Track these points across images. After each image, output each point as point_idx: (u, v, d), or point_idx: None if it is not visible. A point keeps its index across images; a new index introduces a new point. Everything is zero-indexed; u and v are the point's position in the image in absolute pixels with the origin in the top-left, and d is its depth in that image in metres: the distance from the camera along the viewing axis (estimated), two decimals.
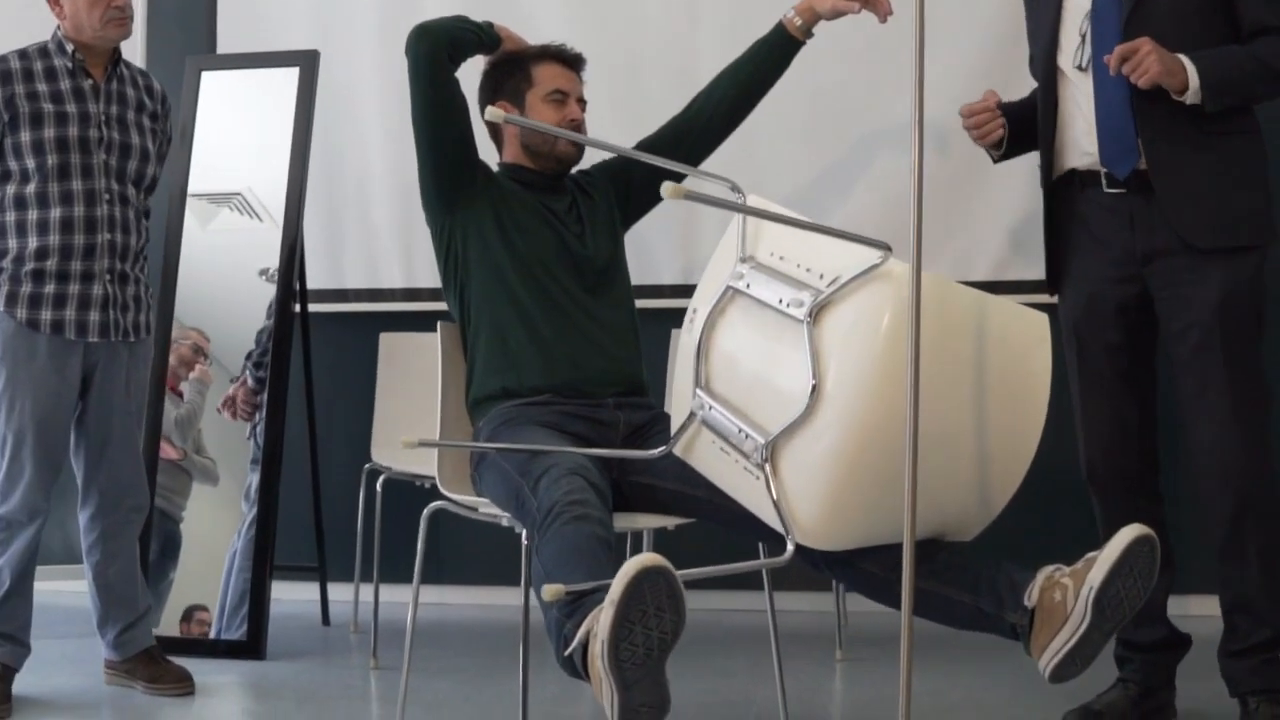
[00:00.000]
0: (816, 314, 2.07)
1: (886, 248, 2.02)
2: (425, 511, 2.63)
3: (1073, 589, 2.00)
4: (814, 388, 2.04)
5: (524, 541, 2.34)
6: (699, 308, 2.31)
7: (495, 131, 2.81)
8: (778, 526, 2.12)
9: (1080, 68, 2.67)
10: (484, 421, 2.60)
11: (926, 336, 2.01)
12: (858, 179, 3.86)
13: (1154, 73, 2.51)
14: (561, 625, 1.97)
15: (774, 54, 2.82)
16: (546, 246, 2.69)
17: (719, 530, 2.48)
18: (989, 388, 2.12)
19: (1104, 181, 2.67)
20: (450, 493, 2.61)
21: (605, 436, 2.57)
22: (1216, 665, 2.67)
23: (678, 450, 2.34)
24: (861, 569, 2.23)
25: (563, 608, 1.98)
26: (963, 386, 2.09)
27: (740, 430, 2.16)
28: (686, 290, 3.90)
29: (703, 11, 3.99)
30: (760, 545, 2.44)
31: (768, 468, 2.11)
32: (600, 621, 1.82)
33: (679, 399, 2.34)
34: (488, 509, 2.53)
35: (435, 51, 2.61)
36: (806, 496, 2.09)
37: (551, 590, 1.89)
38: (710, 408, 2.23)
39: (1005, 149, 2.85)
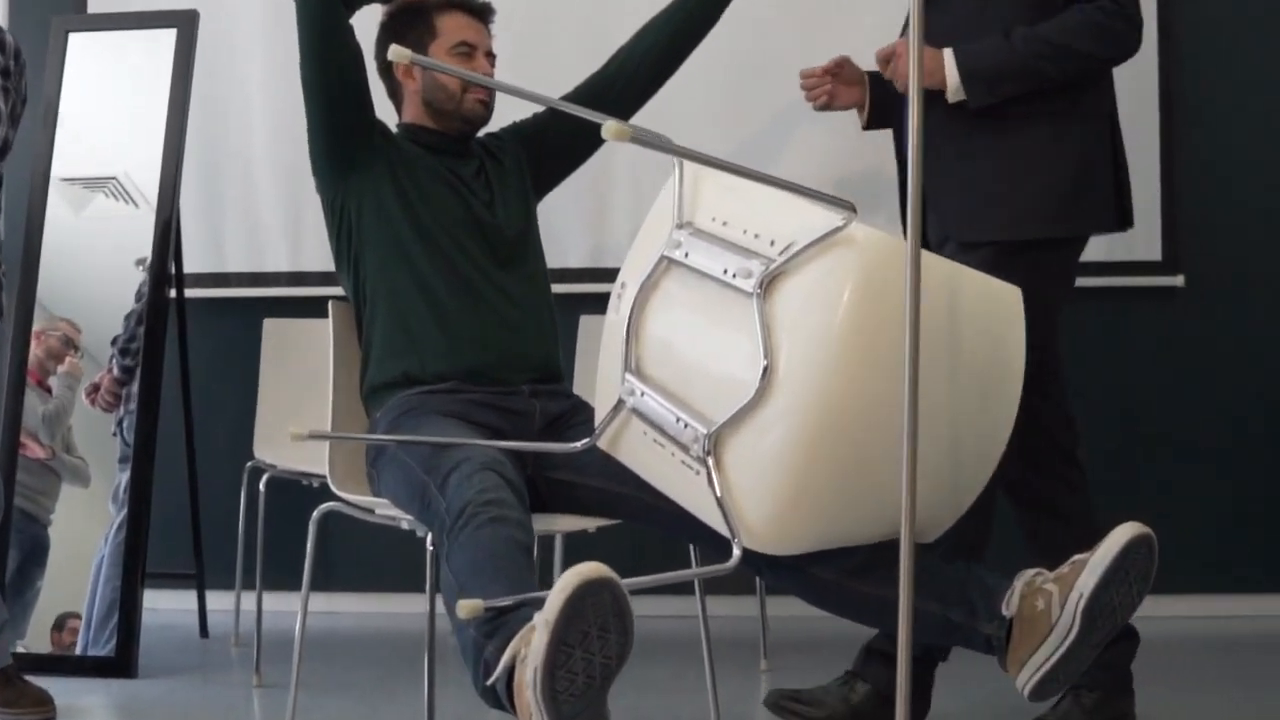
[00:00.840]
0: (767, 286, 1.80)
1: (850, 208, 1.76)
2: (315, 513, 2.32)
3: (1058, 596, 1.76)
4: (765, 369, 1.78)
5: (429, 546, 2.05)
6: (628, 281, 2.03)
7: (394, 89, 2.51)
8: (721, 528, 1.86)
9: None
10: (382, 412, 2.29)
11: (896, 311, 1.76)
12: (782, 151, 3.60)
13: (906, 81, 2.35)
14: (481, 647, 1.67)
15: (707, 2, 2.57)
16: (452, 215, 2.39)
17: (641, 532, 2.22)
18: (961, 370, 1.87)
19: None
20: (343, 492, 2.30)
21: (519, 428, 2.28)
22: (1170, 667, 2.47)
23: (602, 443, 2.06)
24: (812, 575, 1.97)
25: (481, 626, 1.68)
26: (933, 368, 1.83)
27: (678, 419, 1.88)
28: (596, 274, 3.66)
29: None
30: (691, 549, 2.18)
31: (710, 461, 1.84)
32: (532, 645, 1.53)
33: (604, 385, 2.06)
34: (386, 510, 2.23)
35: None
36: (755, 494, 1.82)
37: (469, 606, 1.60)
38: (642, 394, 1.95)
39: (870, 119, 2.66)
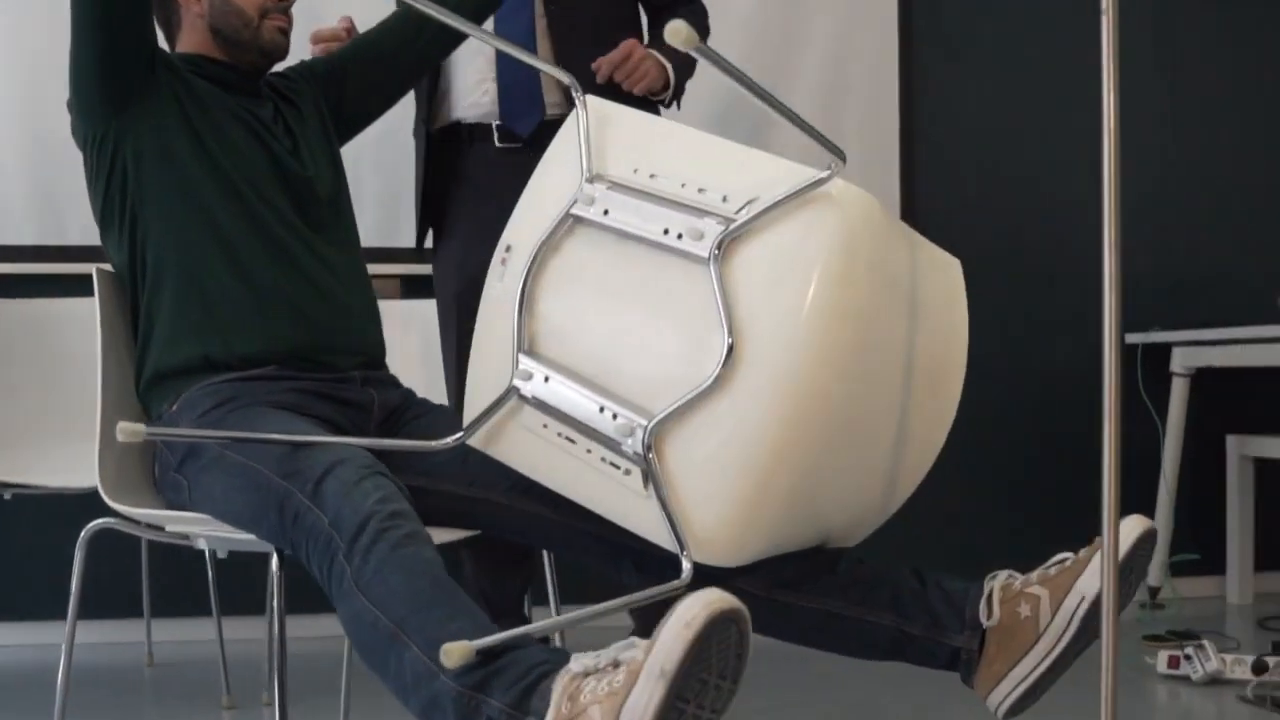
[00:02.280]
0: (725, 249, 1.50)
1: (840, 155, 1.48)
2: (86, 532, 1.83)
3: (1048, 601, 1.55)
4: (729, 349, 1.47)
5: (274, 568, 1.63)
6: (514, 244, 1.67)
7: (168, 12, 2.01)
8: (653, 536, 1.54)
9: None
10: (181, 405, 1.81)
11: (875, 284, 1.51)
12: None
13: (652, 78, 2.41)
14: (467, 702, 1.27)
15: None
16: (254, 164, 1.92)
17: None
18: (918, 351, 1.64)
19: (496, 135, 2.44)
20: (122, 506, 1.81)
21: (356, 423, 1.86)
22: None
23: (474, 440, 1.69)
24: (737, 589, 1.67)
25: (464, 675, 1.29)
26: (892, 351, 1.59)
27: (603, 409, 1.55)
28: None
29: None
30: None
31: (653, 459, 1.52)
32: (629, 702, 1.15)
33: (481, 369, 1.69)
34: (185, 526, 1.77)
35: None
36: (706, 497, 1.50)
37: (458, 650, 1.22)
38: (546, 379, 1.60)
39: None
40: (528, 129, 2.42)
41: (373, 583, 1.38)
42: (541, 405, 1.61)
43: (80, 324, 2.73)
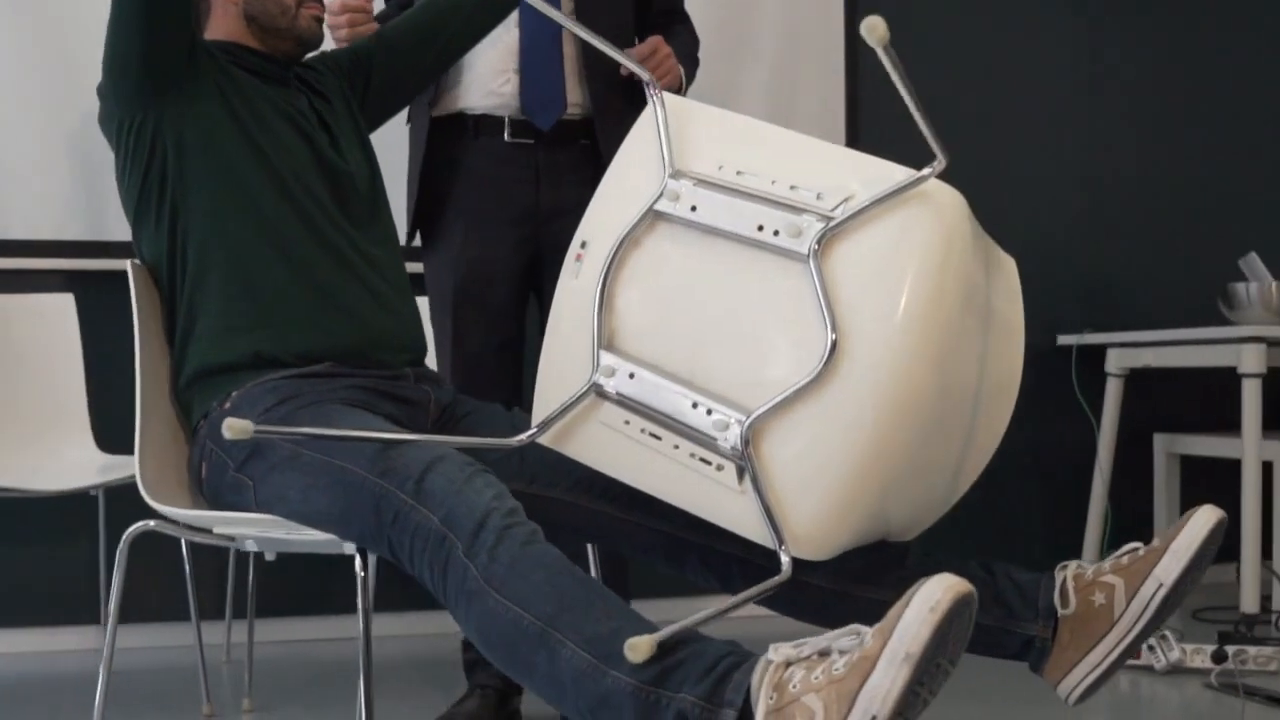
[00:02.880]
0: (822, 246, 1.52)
1: (942, 156, 1.50)
2: (128, 534, 1.76)
3: (1123, 589, 1.58)
4: (833, 344, 1.49)
5: (360, 570, 1.59)
6: (591, 240, 1.66)
7: None
8: (745, 531, 1.54)
9: None
10: (235, 403, 1.75)
11: (965, 282, 1.53)
12: None
13: (675, 75, 2.45)
14: (646, 696, 1.26)
15: None
16: (299, 157, 1.88)
17: None
18: (988, 350, 1.67)
19: (508, 129, 2.41)
20: (163, 505, 1.75)
21: (416, 421, 1.82)
22: None
23: (546, 437, 1.68)
24: (809, 585, 1.69)
25: (641, 670, 1.27)
26: (971, 349, 1.61)
27: (696, 404, 1.55)
28: None
29: None
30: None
31: (751, 454, 1.52)
32: (867, 687, 1.14)
33: (556, 365, 1.67)
34: (234, 528, 1.72)
35: None
36: (803, 492, 1.51)
37: (642, 645, 1.21)
38: (631, 375, 1.59)
39: None
40: (548, 123, 2.40)
41: (508, 580, 1.36)
42: (625, 401, 1.60)
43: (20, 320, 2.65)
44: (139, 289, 1.84)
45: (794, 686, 1.18)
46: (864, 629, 1.20)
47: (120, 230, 3.28)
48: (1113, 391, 3.87)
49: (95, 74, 3.16)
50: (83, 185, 3.28)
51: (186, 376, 1.82)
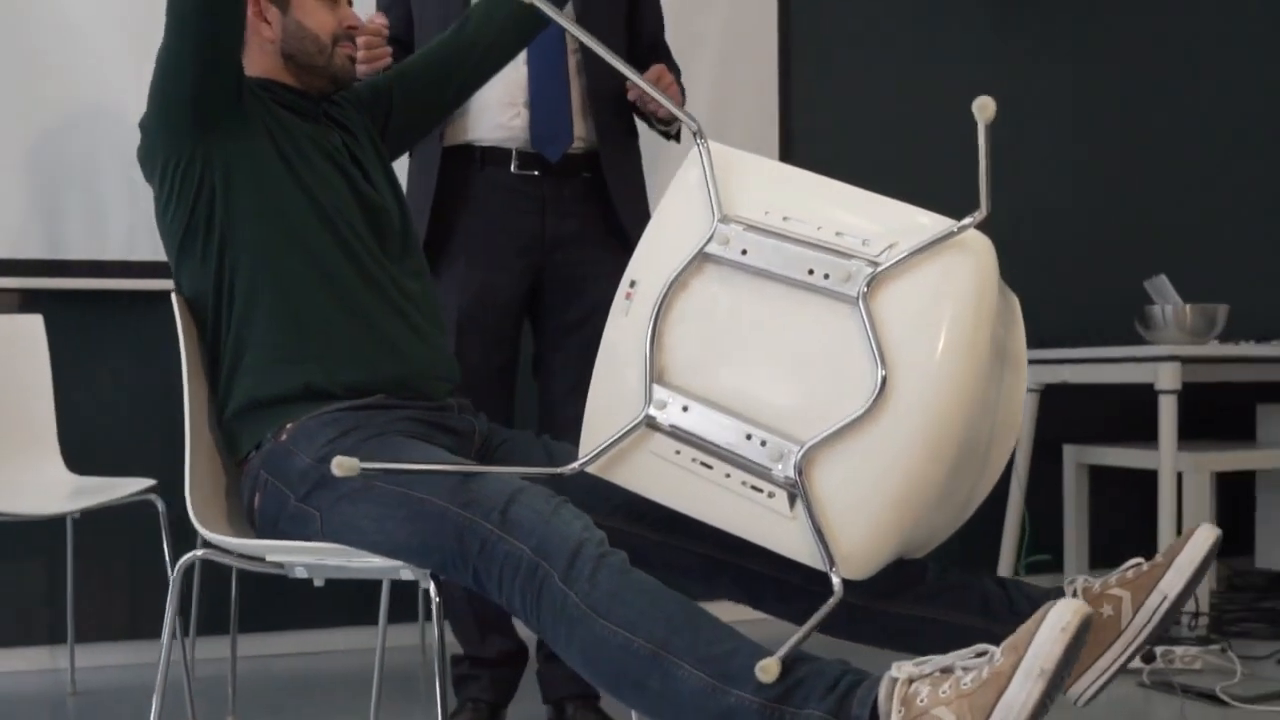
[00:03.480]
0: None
1: (983, 208, 1.63)
2: (182, 562, 1.80)
3: (1129, 601, 1.72)
4: (883, 380, 1.60)
5: (434, 595, 1.67)
6: (639, 279, 1.75)
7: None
8: (794, 554, 1.65)
9: None
10: (291, 435, 1.80)
11: (991, 327, 1.66)
12: None
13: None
14: (769, 713, 1.35)
15: None
16: (340, 193, 1.93)
17: None
18: (1003, 385, 1.80)
19: (515, 161, 2.50)
20: (215, 534, 1.80)
21: (465, 451, 1.89)
22: None
23: (594, 466, 1.76)
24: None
25: (766, 689, 1.37)
26: (993, 383, 1.75)
27: (750, 436, 1.65)
28: None
29: None
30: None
31: (803, 482, 1.63)
32: (1009, 699, 1.25)
33: (605, 399, 1.76)
34: (285, 557, 1.77)
35: None
36: (851, 518, 1.62)
37: (774, 666, 1.31)
38: (685, 408, 1.69)
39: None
40: (557, 155, 2.49)
41: (613, 606, 1.44)
42: (678, 433, 1.69)
43: None
44: (185, 320, 1.88)
45: (921, 700, 1.30)
46: (991, 648, 1.32)
47: (80, 249, 3.28)
48: (1029, 405, 4.07)
49: (53, 87, 3.16)
50: (39, 202, 3.26)
51: (234, 408, 1.86)
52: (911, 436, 1.60)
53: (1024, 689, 1.26)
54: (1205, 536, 1.74)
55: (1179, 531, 3.78)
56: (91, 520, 2.89)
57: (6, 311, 3.15)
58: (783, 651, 1.39)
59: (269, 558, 1.79)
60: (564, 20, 1.77)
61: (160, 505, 2.63)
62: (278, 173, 1.89)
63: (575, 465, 1.77)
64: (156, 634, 2.96)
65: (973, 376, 1.62)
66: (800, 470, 1.62)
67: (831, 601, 1.59)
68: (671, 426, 1.70)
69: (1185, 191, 4.65)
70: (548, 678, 2.62)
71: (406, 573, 1.73)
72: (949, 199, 4.30)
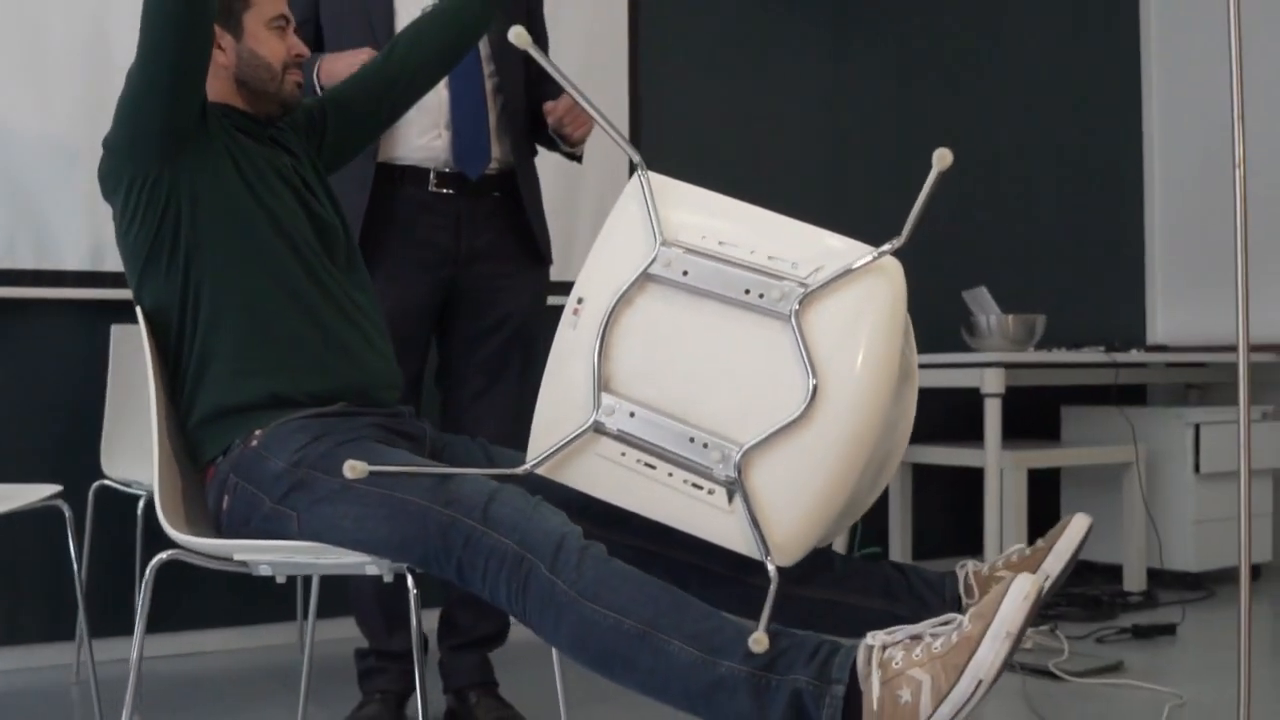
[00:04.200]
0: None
1: (899, 237, 1.84)
2: (154, 562, 1.89)
3: None
4: (814, 389, 1.81)
5: (411, 588, 1.80)
6: (587, 296, 1.92)
7: None
8: (732, 544, 1.84)
9: None
10: (263, 440, 1.90)
11: (901, 340, 1.89)
12: None
13: (588, 129, 2.75)
14: (757, 680, 1.53)
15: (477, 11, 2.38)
16: (295, 212, 2.05)
17: None
18: (902, 389, 2.03)
19: (433, 180, 2.66)
20: (181, 534, 1.89)
21: (420, 454, 2.02)
22: None
23: (545, 469, 1.92)
24: (751, 585, 2.01)
25: (755, 658, 1.55)
26: (894, 388, 1.98)
27: (693, 439, 1.84)
28: None
29: None
30: None
31: (742, 479, 1.82)
32: (974, 661, 1.45)
33: (554, 406, 1.92)
34: (253, 555, 1.88)
35: None
36: (790, 510, 1.82)
37: (764, 639, 1.50)
38: (631, 414, 1.87)
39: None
40: (477, 174, 2.64)
41: (601, 591, 1.61)
42: (625, 437, 1.86)
43: None
44: (150, 333, 1.97)
45: (896, 664, 1.50)
46: (958, 616, 1.53)
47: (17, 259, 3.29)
48: None
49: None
50: None
51: (199, 416, 1.95)
52: (838, 437, 1.81)
53: (992, 649, 1.47)
54: (1080, 525, 1.99)
55: (1001, 523, 4.13)
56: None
57: None
58: (763, 626, 1.59)
59: (236, 556, 1.90)
60: (547, 63, 1.90)
61: (67, 510, 2.67)
62: (240, 193, 1.99)
63: (527, 466, 1.92)
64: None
65: (887, 384, 1.84)
66: (739, 469, 1.82)
67: (772, 591, 1.79)
68: (619, 431, 1.87)
69: (1003, 208, 5.04)
70: (450, 668, 2.75)
71: (372, 568, 1.86)
72: (792, 205, 4.61)
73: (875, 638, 1.56)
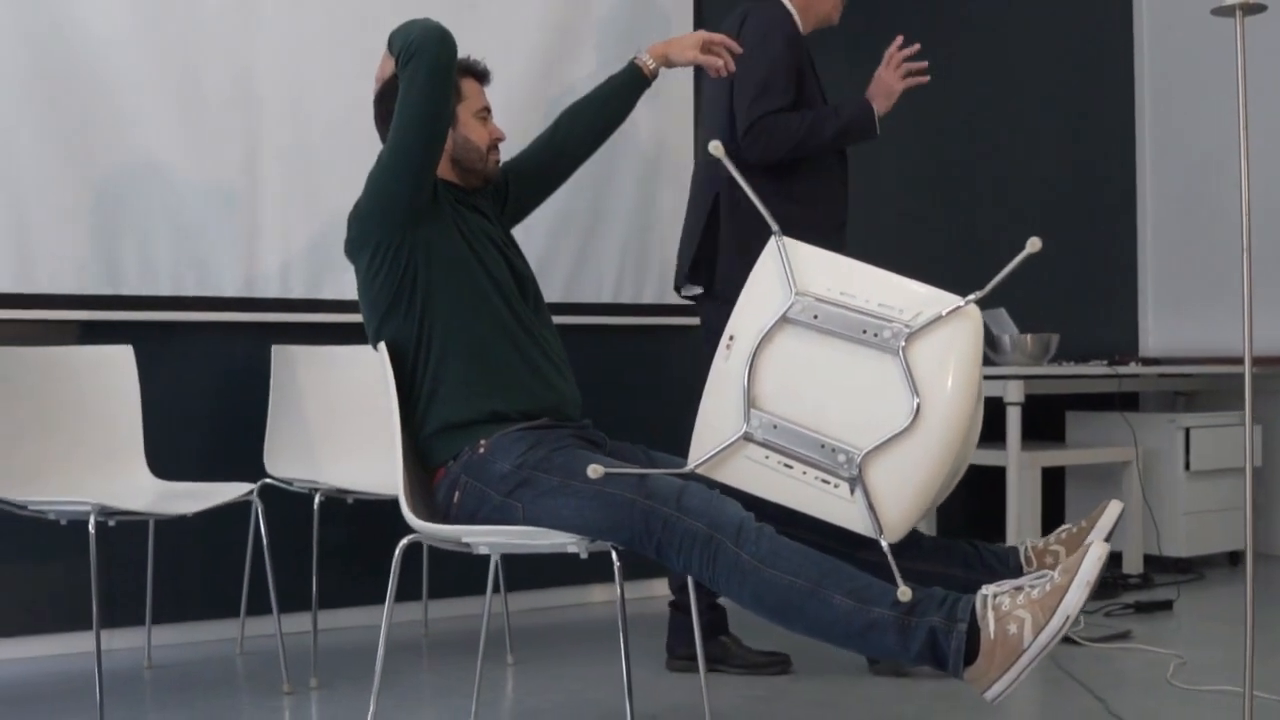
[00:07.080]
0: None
1: (981, 290, 2.38)
2: (402, 544, 2.40)
3: (1065, 553, 2.49)
4: (918, 406, 2.34)
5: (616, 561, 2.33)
6: (738, 335, 2.44)
7: None
8: (853, 525, 2.36)
9: None
10: (489, 449, 2.40)
11: (979, 367, 2.42)
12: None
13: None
14: (903, 622, 2.05)
15: (628, 94, 2.88)
16: (500, 265, 2.57)
17: None
18: (977, 401, 2.56)
19: None
20: (421, 521, 2.41)
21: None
22: None
23: (704, 468, 2.45)
24: (860, 558, 2.53)
25: (900, 605, 2.07)
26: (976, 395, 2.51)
27: (824, 445, 2.37)
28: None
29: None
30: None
31: (861, 476, 2.35)
32: (1064, 603, 1.95)
33: (711, 421, 2.43)
34: (485, 538, 2.40)
35: (452, 56, 2.40)
36: (897, 499, 2.34)
37: (909, 591, 2.02)
38: (775, 426, 2.40)
39: None
40: None
41: (777, 560, 2.12)
42: (769, 443, 2.39)
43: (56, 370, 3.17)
44: (390, 364, 2.48)
45: (1004, 607, 2.02)
46: (1049, 572, 2.06)
47: (132, 286, 3.78)
48: None
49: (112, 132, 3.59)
50: (100, 242, 3.75)
51: (431, 429, 2.46)
52: (935, 443, 2.33)
53: (1077, 593, 1.98)
54: (1116, 508, 2.52)
55: (1020, 514, 4.67)
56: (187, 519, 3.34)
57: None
58: (901, 584, 2.12)
59: (463, 539, 2.41)
60: (730, 167, 2.42)
61: (259, 504, 3.16)
62: (467, 254, 2.50)
63: (690, 467, 2.46)
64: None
65: (970, 403, 2.37)
66: (859, 468, 2.35)
67: (890, 556, 2.32)
68: (764, 439, 2.40)
69: (1012, 232, 5.58)
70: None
71: (573, 547, 2.38)
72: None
73: (988, 589, 2.08)
